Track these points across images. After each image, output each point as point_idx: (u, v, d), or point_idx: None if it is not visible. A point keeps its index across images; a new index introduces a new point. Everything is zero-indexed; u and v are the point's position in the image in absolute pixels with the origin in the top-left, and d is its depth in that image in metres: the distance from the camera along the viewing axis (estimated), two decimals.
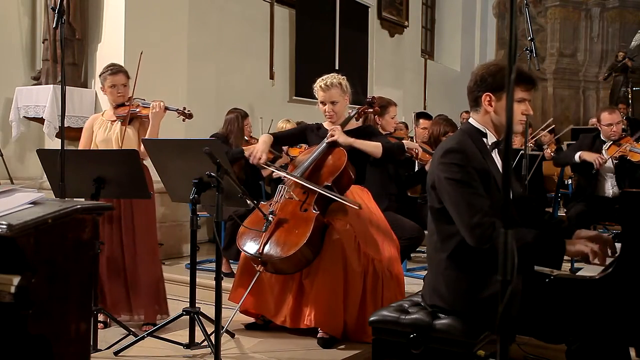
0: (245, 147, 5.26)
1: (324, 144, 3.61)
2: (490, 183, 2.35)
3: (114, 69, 3.88)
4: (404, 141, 4.53)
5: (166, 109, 3.81)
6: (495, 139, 2.50)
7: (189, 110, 3.88)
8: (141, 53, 3.86)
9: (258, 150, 3.60)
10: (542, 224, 2.58)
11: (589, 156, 4.74)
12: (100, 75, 3.95)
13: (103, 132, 3.88)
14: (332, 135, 3.55)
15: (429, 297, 2.51)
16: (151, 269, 3.82)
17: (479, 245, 2.25)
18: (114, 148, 3.79)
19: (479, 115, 2.49)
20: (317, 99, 3.72)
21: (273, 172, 3.91)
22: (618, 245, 2.33)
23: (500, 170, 2.42)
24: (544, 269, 2.35)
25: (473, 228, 2.24)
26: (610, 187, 4.86)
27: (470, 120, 2.53)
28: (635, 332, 2.12)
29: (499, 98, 2.42)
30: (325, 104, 3.65)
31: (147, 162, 3.52)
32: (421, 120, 5.63)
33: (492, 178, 2.37)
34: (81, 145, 3.95)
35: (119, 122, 3.87)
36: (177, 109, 3.86)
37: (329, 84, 3.61)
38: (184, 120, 3.92)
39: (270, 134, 3.82)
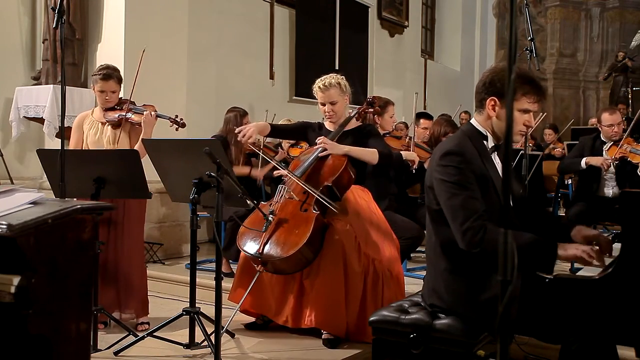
0: (255, 176, 5.27)
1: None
2: (487, 187, 2.34)
3: (106, 74, 3.80)
4: (402, 152, 4.52)
5: (157, 116, 3.79)
6: (495, 143, 2.48)
7: (181, 119, 3.83)
8: (143, 50, 3.83)
9: (249, 128, 3.56)
10: (541, 223, 2.57)
11: (596, 160, 4.75)
12: (92, 75, 3.90)
13: (94, 133, 3.85)
14: (324, 150, 3.51)
15: (428, 297, 2.51)
16: (139, 268, 3.83)
17: (468, 248, 2.25)
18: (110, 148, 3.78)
19: (482, 118, 2.48)
20: (317, 99, 3.72)
21: (274, 167, 3.91)
22: (617, 246, 2.32)
23: (500, 172, 2.41)
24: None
25: (465, 231, 2.24)
26: (610, 188, 4.86)
27: (472, 121, 2.51)
28: (635, 332, 2.12)
29: (504, 105, 2.37)
30: (324, 105, 3.65)
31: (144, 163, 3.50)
32: (422, 120, 5.63)
33: (491, 182, 2.36)
34: (71, 145, 3.90)
35: (110, 126, 3.83)
36: (170, 118, 3.82)
37: (328, 84, 3.61)
38: (177, 129, 3.88)
39: (270, 124, 3.82)
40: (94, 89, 3.90)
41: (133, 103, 3.87)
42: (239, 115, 5.35)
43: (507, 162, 1.34)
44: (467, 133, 2.47)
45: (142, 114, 3.77)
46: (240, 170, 5.21)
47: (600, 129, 4.95)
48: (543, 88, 2.48)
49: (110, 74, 3.81)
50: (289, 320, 3.42)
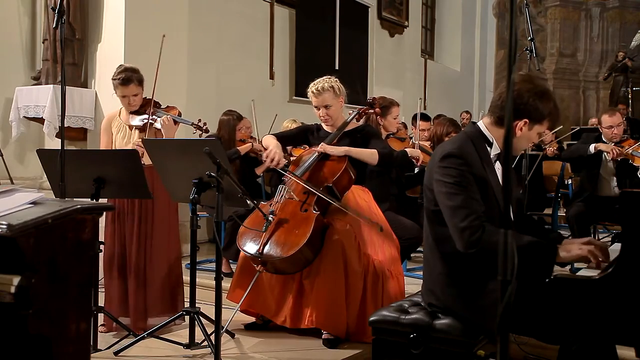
0: (259, 150, 5.26)
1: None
2: (487, 192, 2.32)
3: (124, 79, 3.68)
4: (407, 149, 4.50)
5: (176, 122, 3.74)
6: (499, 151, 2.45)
7: (204, 124, 3.76)
8: (163, 36, 3.67)
9: (276, 154, 3.53)
10: (536, 231, 2.56)
11: (606, 147, 4.71)
12: (112, 79, 3.76)
13: (122, 137, 3.80)
14: (323, 150, 3.53)
15: (426, 296, 2.51)
16: (163, 271, 3.76)
17: (466, 249, 2.23)
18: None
19: (495, 127, 2.44)
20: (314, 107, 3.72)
21: (269, 168, 3.90)
22: (618, 246, 2.32)
23: (500, 179, 2.40)
24: None
25: (462, 231, 2.22)
26: (611, 188, 4.86)
27: (480, 124, 2.47)
28: (635, 332, 2.12)
29: (532, 127, 2.35)
30: (319, 109, 3.65)
31: None
32: (420, 122, 5.64)
33: (490, 188, 2.34)
34: (102, 146, 3.87)
35: (137, 130, 3.78)
36: (192, 123, 3.77)
37: (320, 88, 3.61)
38: (200, 135, 3.84)
39: (272, 134, 3.82)
40: (116, 94, 3.79)
41: (158, 104, 3.80)
42: (232, 120, 5.37)
43: (507, 160, 1.34)
44: (470, 135, 2.44)
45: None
46: (243, 147, 5.26)
47: (600, 130, 4.95)
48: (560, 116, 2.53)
49: (129, 77, 3.69)
50: (288, 321, 3.42)
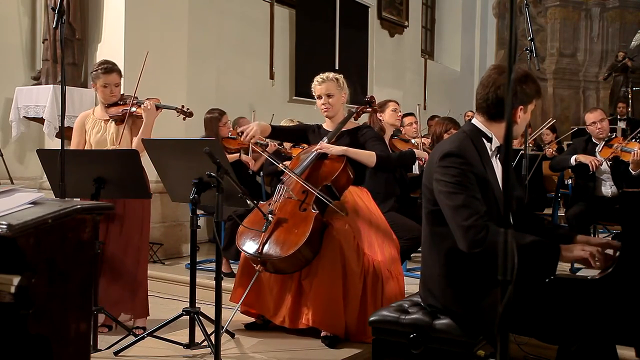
0: (246, 161, 5.31)
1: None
2: (486, 191, 2.31)
3: (107, 68, 3.77)
4: (415, 150, 4.50)
5: (158, 107, 3.75)
6: (500, 144, 2.45)
7: (188, 109, 3.80)
8: (147, 53, 3.77)
9: (252, 127, 3.57)
10: (540, 229, 2.56)
11: (585, 158, 4.80)
12: (91, 73, 3.86)
13: (96, 132, 3.81)
14: (321, 149, 3.55)
15: (424, 296, 2.51)
16: (131, 270, 3.75)
17: (470, 248, 2.20)
18: (110, 149, 3.76)
19: (492, 123, 2.43)
20: (315, 97, 3.73)
21: (267, 160, 3.93)
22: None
23: (499, 177, 2.40)
24: None
25: (466, 230, 2.20)
26: (608, 188, 4.88)
27: (474, 122, 2.46)
28: (635, 332, 2.12)
29: (526, 110, 2.41)
30: (321, 97, 3.66)
31: (145, 163, 3.46)
32: (404, 119, 5.65)
33: (490, 186, 2.34)
34: (73, 145, 3.87)
35: (113, 122, 3.80)
36: (176, 108, 3.79)
37: (325, 77, 3.66)
38: (184, 118, 3.87)
39: (271, 125, 3.82)
40: (95, 87, 3.85)
41: (137, 99, 3.82)
42: (213, 119, 5.40)
43: (507, 158, 1.34)
44: (469, 133, 2.43)
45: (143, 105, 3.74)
46: (230, 156, 5.25)
47: (587, 130, 5.02)
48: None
49: (112, 66, 3.80)
50: (286, 321, 3.42)
